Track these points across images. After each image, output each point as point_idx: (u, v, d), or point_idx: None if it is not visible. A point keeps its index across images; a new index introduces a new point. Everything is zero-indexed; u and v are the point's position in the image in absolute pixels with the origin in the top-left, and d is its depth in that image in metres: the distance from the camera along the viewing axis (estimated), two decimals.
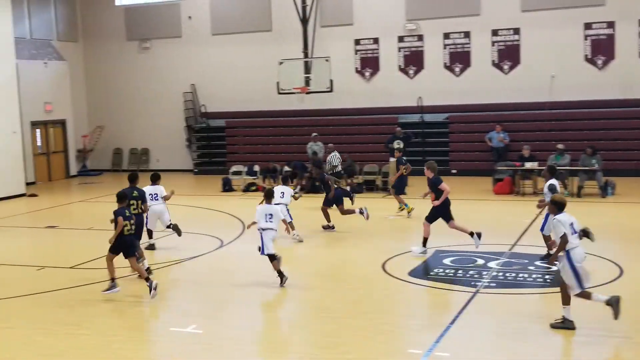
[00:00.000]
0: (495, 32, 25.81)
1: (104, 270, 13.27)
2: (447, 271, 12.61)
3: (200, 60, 29.75)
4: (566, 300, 9.44)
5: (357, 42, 27.45)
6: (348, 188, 18.98)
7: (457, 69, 26.34)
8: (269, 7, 28.36)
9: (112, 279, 11.71)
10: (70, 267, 13.80)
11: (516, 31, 25.58)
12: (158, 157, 30.93)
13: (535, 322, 9.79)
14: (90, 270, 13.45)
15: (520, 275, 12.18)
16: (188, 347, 9.33)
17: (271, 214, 12.06)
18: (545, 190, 13.04)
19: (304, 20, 25.45)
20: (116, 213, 11.64)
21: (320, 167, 19.23)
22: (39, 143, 28.57)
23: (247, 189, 23.70)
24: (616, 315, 9.22)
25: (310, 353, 9.06)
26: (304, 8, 25.37)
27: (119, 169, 31.16)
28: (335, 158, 21.12)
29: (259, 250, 11.96)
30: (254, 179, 24.24)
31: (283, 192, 15.55)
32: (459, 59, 26.28)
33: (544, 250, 13.08)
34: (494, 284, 11.66)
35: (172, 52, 30.27)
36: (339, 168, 20.98)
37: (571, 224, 9.49)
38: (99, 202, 22.24)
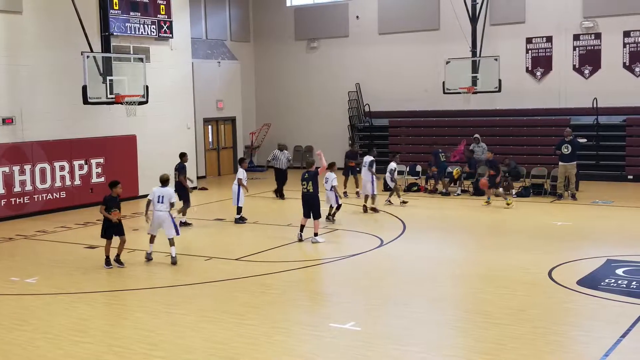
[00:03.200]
0: None
1: (268, 263, 13.65)
2: (619, 282, 11.85)
3: (366, 59, 29.93)
4: (152, 240, 14.00)
5: (528, 40, 26.54)
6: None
7: (637, 69, 24.78)
8: (437, 5, 28.04)
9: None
10: (235, 259, 14.25)
11: None
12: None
13: None
14: (254, 263, 13.82)
15: None
16: (347, 343, 9.33)
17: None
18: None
19: (473, 19, 24.90)
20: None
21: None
22: (210, 139, 29.88)
23: (409, 189, 23.50)
24: (174, 262, 13.62)
25: (469, 358, 8.78)
26: (473, 6, 24.83)
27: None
28: (282, 155, 23.13)
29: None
30: (416, 179, 24.00)
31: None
32: None
33: None
34: None
35: (338, 52, 30.66)
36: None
37: (160, 196, 13.61)
38: (264, 197, 22.91)
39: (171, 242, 13.82)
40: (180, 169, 18.25)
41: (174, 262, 13.71)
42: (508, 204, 19.56)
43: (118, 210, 13.58)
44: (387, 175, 20.48)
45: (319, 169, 16.03)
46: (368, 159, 19.58)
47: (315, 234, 15.66)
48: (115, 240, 13.75)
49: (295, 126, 32.05)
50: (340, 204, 17.77)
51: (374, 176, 19.23)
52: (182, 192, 17.96)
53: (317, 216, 15.69)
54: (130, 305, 11.33)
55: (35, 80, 20.48)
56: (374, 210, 19.13)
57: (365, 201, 19.39)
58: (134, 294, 12.04)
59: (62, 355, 9.11)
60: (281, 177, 22.66)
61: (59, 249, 15.85)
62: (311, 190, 15.64)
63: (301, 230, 15.85)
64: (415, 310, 10.69)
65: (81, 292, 12.05)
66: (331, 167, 17.59)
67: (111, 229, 13.60)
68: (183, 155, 18.81)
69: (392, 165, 20.57)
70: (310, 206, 15.69)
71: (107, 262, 13.63)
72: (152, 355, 9.03)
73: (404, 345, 9.22)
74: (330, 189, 17.29)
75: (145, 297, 11.83)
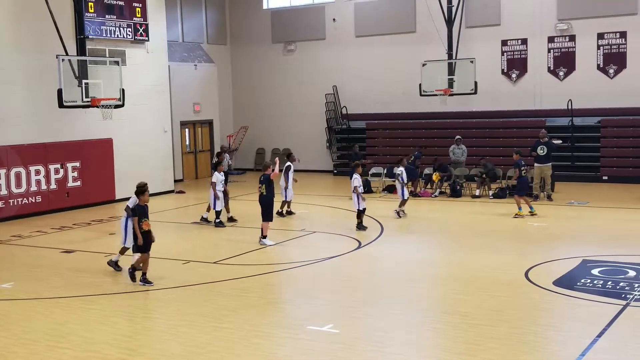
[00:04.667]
0: None
1: (246, 267, 13.62)
2: (595, 282, 11.98)
3: (343, 62, 30.01)
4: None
5: (504, 42, 26.78)
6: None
7: (611, 71, 25.09)
8: (413, 8, 28.18)
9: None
10: (213, 262, 14.20)
11: None
12: (299, 158, 31.35)
13: None
14: (232, 266, 13.79)
15: None
16: (325, 345, 9.33)
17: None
18: None
19: (449, 21, 25.06)
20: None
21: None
22: (187, 142, 29.77)
23: (390, 191, 23.53)
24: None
25: (447, 359, 8.82)
26: (449, 9, 24.99)
27: (261, 169, 31.85)
28: (226, 158, 23.01)
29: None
30: (393, 180, 24.01)
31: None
32: (614, 60, 25.05)
33: None
34: None
35: (315, 54, 30.71)
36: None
37: (132, 201, 12.73)
38: (242, 200, 22.86)
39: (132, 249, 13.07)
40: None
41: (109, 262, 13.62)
42: (533, 214, 18.42)
43: (147, 220, 12.41)
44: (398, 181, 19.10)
45: (271, 173, 15.92)
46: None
47: (264, 237, 15.70)
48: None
49: (272, 128, 32.04)
50: (364, 208, 17.09)
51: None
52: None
53: (265, 218, 15.71)
54: (107, 310, 11.24)
55: (10, 83, 20.27)
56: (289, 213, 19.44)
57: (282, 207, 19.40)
58: (111, 299, 11.94)
59: None
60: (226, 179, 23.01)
61: (35, 253, 15.69)
62: (264, 193, 15.73)
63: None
64: (393, 312, 10.72)
65: (58, 297, 11.95)
66: (356, 168, 17.51)
67: (148, 242, 12.37)
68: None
69: (400, 169, 19.17)
70: (262, 208, 15.74)
71: (146, 280, 12.40)
72: None
73: (382, 346, 9.24)
74: (353, 191, 17.10)
75: (122, 302, 11.75)
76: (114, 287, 12.62)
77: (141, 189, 12.41)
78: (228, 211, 18.72)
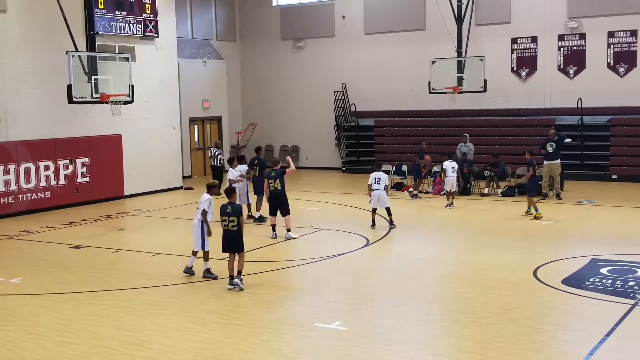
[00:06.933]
0: None
1: (254, 263, 13.61)
2: (604, 281, 11.93)
3: (352, 59, 29.98)
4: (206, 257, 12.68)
5: (514, 40, 26.71)
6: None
7: (621, 70, 24.98)
8: (423, 6, 28.12)
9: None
10: (222, 259, 14.17)
11: None
12: (307, 155, 31.46)
13: None
14: None
15: None
16: (332, 343, 9.33)
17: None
18: None
19: (459, 19, 24.99)
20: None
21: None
22: (196, 138, 29.82)
23: (398, 188, 23.49)
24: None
25: (455, 357, 8.80)
26: (459, 6, 24.93)
27: (269, 166, 31.83)
28: (220, 153, 23.38)
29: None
30: (402, 178, 24.03)
31: (379, 178, 16.82)
32: (624, 59, 24.94)
33: None
34: None
35: (325, 52, 30.69)
36: None
37: (208, 203, 12.48)
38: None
39: (203, 256, 12.87)
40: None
41: (204, 275, 12.81)
42: (528, 214, 18.28)
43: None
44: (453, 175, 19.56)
45: (287, 169, 16.12)
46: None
47: (288, 230, 15.87)
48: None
49: (281, 126, 32.05)
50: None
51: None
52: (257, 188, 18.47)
53: (286, 212, 15.89)
54: (115, 305, 11.27)
55: (20, 79, 20.34)
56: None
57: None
58: (119, 294, 11.98)
59: (47, 355, 9.06)
60: (219, 175, 22.99)
61: (44, 249, 15.76)
62: (279, 188, 15.83)
63: (273, 230, 16.02)
64: (401, 310, 10.70)
65: (66, 293, 11.99)
66: (379, 167, 17.43)
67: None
68: (257, 150, 19.49)
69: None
70: (279, 204, 15.88)
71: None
72: (137, 355, 8.99)
73: (390, 344, 9.23)
74: (383, 189, 16.86)
75: (130, 298, 11.78)
76: (121, 283, 12.65)
77: (232, 189, 12.42)
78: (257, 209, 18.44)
